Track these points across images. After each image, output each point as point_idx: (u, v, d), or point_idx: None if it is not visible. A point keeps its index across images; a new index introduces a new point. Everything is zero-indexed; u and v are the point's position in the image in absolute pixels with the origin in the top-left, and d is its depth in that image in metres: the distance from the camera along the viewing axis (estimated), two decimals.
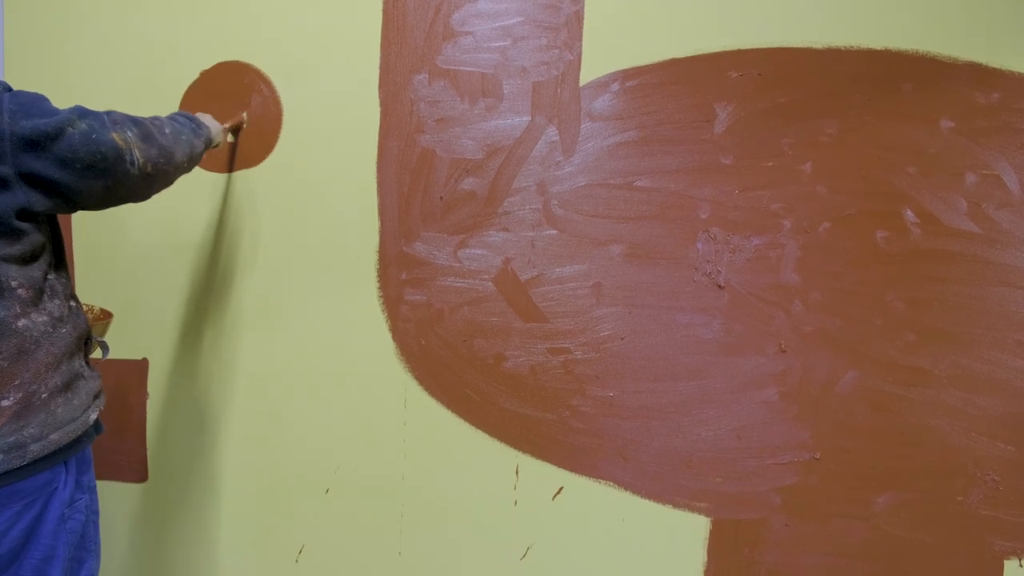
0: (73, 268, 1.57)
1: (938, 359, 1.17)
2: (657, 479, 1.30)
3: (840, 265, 1.21)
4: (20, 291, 0.99)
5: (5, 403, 0.97)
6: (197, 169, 1.55)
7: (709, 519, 1.27)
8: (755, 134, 1.24)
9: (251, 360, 1.49)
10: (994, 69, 1.15)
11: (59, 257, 1.10)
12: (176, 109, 1.56)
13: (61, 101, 1.66)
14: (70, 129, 0.99)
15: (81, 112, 1.02)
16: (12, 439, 0.97)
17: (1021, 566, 1.14)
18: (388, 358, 1.43)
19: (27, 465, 0.99)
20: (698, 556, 1.28)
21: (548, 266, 1.34)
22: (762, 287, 1.24)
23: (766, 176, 1.24)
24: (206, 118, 1.32)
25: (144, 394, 1.55)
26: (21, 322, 0.98)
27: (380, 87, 1.43)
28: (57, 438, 1.01)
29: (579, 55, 1.32)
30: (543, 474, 1.36)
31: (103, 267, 1.56)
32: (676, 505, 1.29)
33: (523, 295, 1.35)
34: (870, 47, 1.20)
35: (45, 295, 1.03)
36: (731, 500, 1.26)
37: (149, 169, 1.07)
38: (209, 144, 1.28)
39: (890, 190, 1.19)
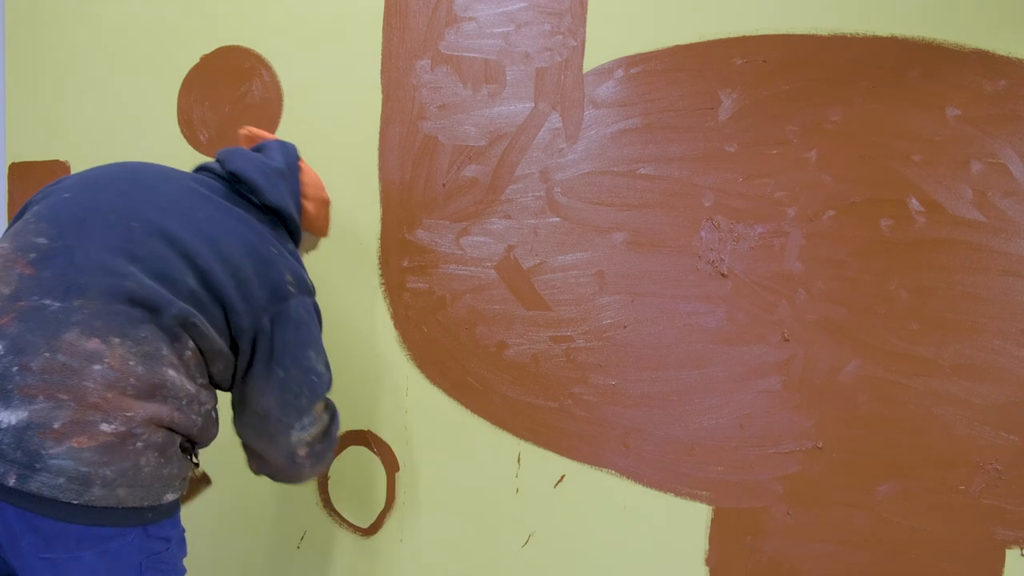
0: None
1: (942, 348, 1.17)
2: (659, 467, 1.29)
3: (844, 254, 1.20)
4: (188, 354, 0.95)
5: (106, 427, 0.86)
6: (197, 154, 1.55)
7: (711, 507, 1.27)
8: (760, 122, 1.24)
9: None
10: (1001, 57, 1.14)
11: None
12: (176, 94, 1.55)
13: (63, 87, 1.66)
14: (316, 375, 1.10)
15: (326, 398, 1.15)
16: (85, 470, 0.85)
17: (1023, 555, 1.14)
18: (390, 346, 1.43)
19: (85, 508, 0.86)
20: (700, 544, 1.28)
21: (551, 254, 1.33)
22: (765, 275, 1.24)
23: (770, 164, 1.23)
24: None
25: None
26: (171, 372, 0.92)
27: (382, 73, 1.42)
28: (123, 495, 0.88)
29: (583, 41, 1.31)
30: (545, 462, 1.36)
31: None
32: (678, 493, 1.29)
33: (525, 283, 1.35)
34: (876, 34, 1.19)
35: (202, 381, 1.00)
36: (733, 488, 1.26)
37: (305, 457, 1.12)
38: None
39: (895, 178, 1.18)
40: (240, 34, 1.50)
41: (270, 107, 1.49)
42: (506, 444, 1.37)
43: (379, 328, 1.43)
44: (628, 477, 1.31)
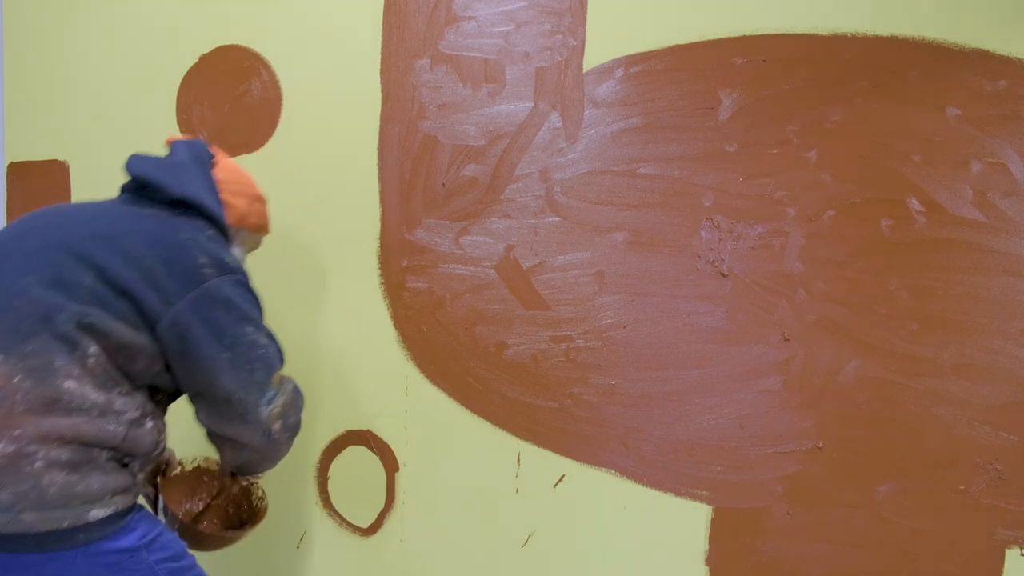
0: None
1: (941, 348, 1.17)
2: (659, 467, 1.29)
3: (844, 254, 1.20)
4: (92, 361, 0.92)
5: None
6: None
7: (711, 507, 1.27)
8: (760, 121, 1.24)
9: None
10: (1001, 56, 1.14)
11: (166, 396, 1.08)
12: (174, 94, 1.55)
13: (62, 86, 1.65)
14: (261, 347, 1.06)
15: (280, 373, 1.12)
16: None
17: (1022, 555, 1.14)
18: (390, 346, 1.43)
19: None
20: (699, 544, 1.28)
21: (550, 254, 1.33)
22: (765, 275, 1.24)
23: (770, 164, 1.23)
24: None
25: None
26: (68, 383, 0.89)
27: (381, 73, 1.42)
28: (32, 520, 0.85)
29: (583, 41, 1.31)
30: (545, 462, 1.36)
31: None
32: (678, 493, 1.29)
33: (525, 283, 1.34)
34: (876, 34, 1.19)
35: (119, 389, 0.96)
36: (733, 488, 1.26)
37: (281, 431, 1.11)
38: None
39: (895, 178, 1.18)
40: (240, 34, 1.50)
41: (269, 107, 1.48)
42: (506, 444, 1.37)
43: (379, 328, 1.43)
44: (628, 477, 1.31)
